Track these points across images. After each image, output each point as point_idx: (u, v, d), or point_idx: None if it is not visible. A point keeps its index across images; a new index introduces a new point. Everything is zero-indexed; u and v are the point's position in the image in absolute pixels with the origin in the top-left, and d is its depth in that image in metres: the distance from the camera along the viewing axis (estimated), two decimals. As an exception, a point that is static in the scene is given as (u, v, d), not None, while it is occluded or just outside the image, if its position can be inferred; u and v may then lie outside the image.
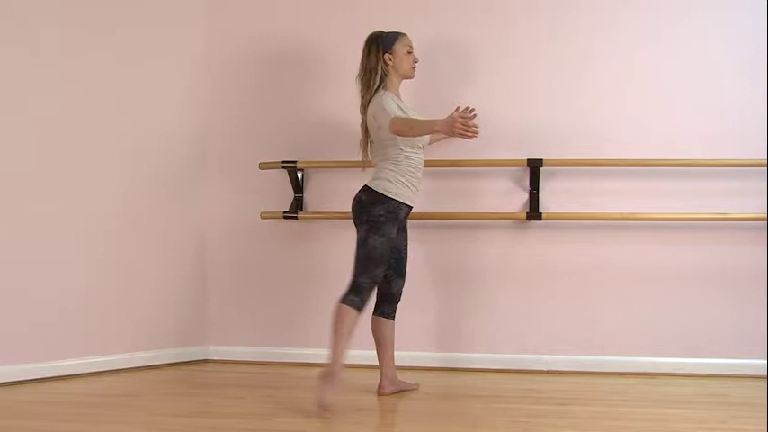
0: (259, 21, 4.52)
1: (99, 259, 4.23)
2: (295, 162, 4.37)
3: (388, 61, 3.72)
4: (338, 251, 4.34)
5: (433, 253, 4.34)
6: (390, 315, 3.81)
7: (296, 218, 4.39)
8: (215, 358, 4.56)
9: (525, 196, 4.27)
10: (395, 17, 4.18)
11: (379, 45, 3.72)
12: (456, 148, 4.25)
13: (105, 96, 4.24)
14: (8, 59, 4.01)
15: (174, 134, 4.47)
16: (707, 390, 3.86)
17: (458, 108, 4.18)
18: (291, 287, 4.48)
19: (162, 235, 4.42)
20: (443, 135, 3.97)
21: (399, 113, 3.58)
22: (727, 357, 4.14)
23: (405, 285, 3.85)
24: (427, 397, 3.77)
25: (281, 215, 4.39)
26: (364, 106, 3.73)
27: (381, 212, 3.62)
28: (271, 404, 3.62)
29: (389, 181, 3.65)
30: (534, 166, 4.19)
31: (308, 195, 4.48)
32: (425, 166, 4.04)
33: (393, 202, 3.64)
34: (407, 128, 3.55)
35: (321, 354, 4.39)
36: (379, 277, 3.66)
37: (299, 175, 4.44)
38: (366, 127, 3.75)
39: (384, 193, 3.63)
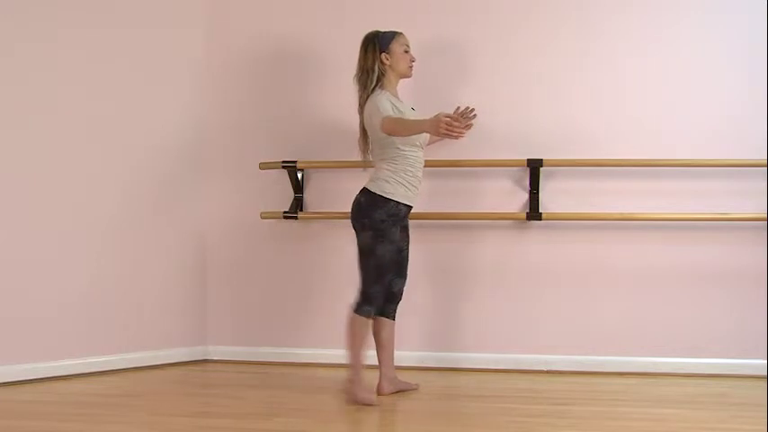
0: (259, 21, 4.52)
1: (99, 259, 4.23)
2: (295, 162, 4.37)
3: (384, 61, 3.72)
4: (338, 251, 4.35)
5: (432, 253, 4.34)
6: (390, 315, 3.81)
7: (296, 218, 4.39)
8: (215, 358, 4.56)
9: (525, 196, 4.27)
10: (395, 17, 4.18)
11: (376, 45, 3.72)
12: (456, 148, 4.25)
13: (105, 96, 4.24)
14: (8, 60, 4.00)
15: (174, 134, 4.47)
16: (707, 390, 3.86)
17: (458, 108, 4.19)
18: (291, 287, 4.48)
19: (162, 235, 4.42)
20: (436, 136, 4.00)
21: (391, 113, 3.59)
22: (727, 357, 4.14)
23: (405, 285, 3.85)
24: (427, 397, 3.77)
25: (281, 215, 4.39)
26: (361, 106, 3.73)
27: (383, 217, 3.62)
28: (271, 404, 3.62)
29: (387, 181, 3.65)
30: (534, 166, 4.19)
31: (307, 195, 4.47)
32: (426, 166, 4.05)
33: (392, 203, 3.64)
34: (398, 128, 3.56)
35: (321, 354, 4.42)
36: (387, 282, 3.67)
37: (299, 175, 4.44)
38: (364, 127, 3.75)
39: (382, 194, 3.63)
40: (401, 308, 3.86)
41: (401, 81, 3.82)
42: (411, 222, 3.94)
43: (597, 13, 4.25)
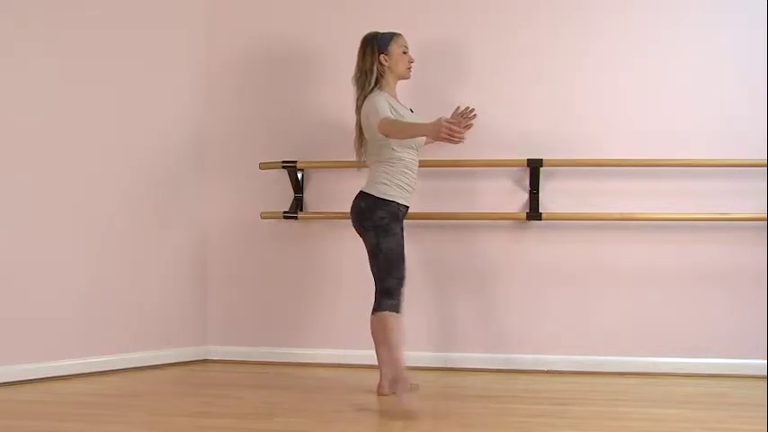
0: (259, 21, 4.52)
1: (99, 259, 4.23)
2: (295, 162, 4.37)
3: (383, 62, 3.72)
4: (338, 251, 4.35)
5: (433, 253, 4.34)
6: (390, 315, 3.80)
7: (296, 218, 4.39)
8: (215, 358, 4.56)
9: (525, 196, 4.28)
10: (395, 17, 4.18)
11: (375, 46, 3.72)
12: (456, 148, 4.20)
13: (105, 96, 4.24)
14: (8, 60, 4.00)
15: (175, 134, 4.47)
16: (707, 390, 3.86)
17: (458, 108, 4.19)
18: (291, 287, 4.48)
19: (162, 235, 4.42)
20: None
21: (389, 114, 3.58)
22: (727, 357, 4.14)
23: (405, 285, 3.84)
24: (427, 397, 3.76)
25: (281, 215, 4.39)
26: (359, 107, 3.73)
27: (384, 215, 3.63)
28: (271, 404, 3.62)
29: (385, 184, 3.66)
30: (534, 166, 4.19)
31: (308, 195, 4.48)
32: (426, 167, 4.06)
33: (392, 204, 3.65)
34: (396, 130, 3.56)
35: (321, 354, 4.42)
36: (404, 275, 3.65)
37: (299, 175, 4.44)
38: (360, 127, 3.75)
39: (382, 196, 3.64)
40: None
41: (401, 81, 3.82)
42: (411, 222, 3.94)
43: (597, 13, 4.26)
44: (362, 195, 3.70)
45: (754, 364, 4.08)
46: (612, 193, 4.20)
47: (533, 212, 4.20)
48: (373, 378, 3.84)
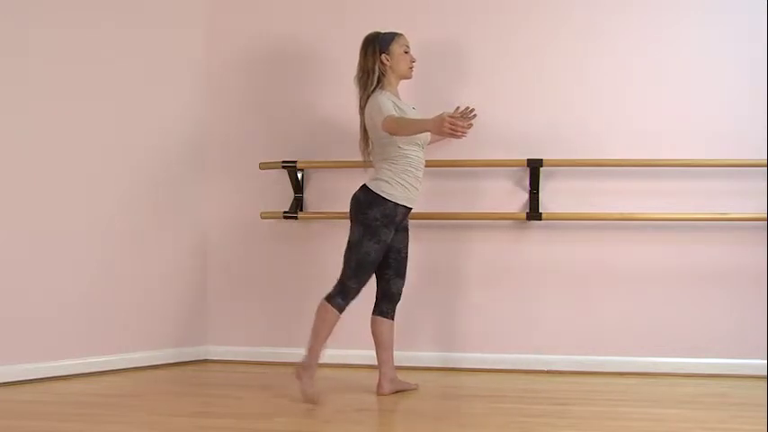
0: (259, 21, 4.52)
1: (99, 259, 4.23)
2: (295, 162, 4.37)
3: (385, 62, 3.72)
4: (338, 251, 4.31)
5: (433, 253, 4.34)
6: (390, 315, 3.81)
7: (296, 218, 4.39)
8: (215, 358, 4.56)
9: (525, 196, 4.27)
10: (395, 17, 4.18)
11: (376, 46, 3.72)
12: (456, 148, 4.25)
13: (105, 96, 4.24)
14: (8, 60, 4.00)
15: (175, 134, 4.47)
16: (707, 390, 3.86)
17: (458, 108, 4.18)
18: (291, 287, 4.48)
19: (162, 235, 4.42)
20: (437, 136, 4.01)
21: (393, 112, 3.59)
22: (727, 357, 4.14)
23: (405, 285, 3.85)
24: (427, 397, 3.77)
25: (281, 215, 4.39)
26: (362, 107, 3.73)
27: (377, 216, 3.62)
28: (271, 404, 3.62)
29: (387, 182, 3.66)
30: (534, 166, 4.19)
31: (308, 195, 4.48)
32: (426, 166, 4.05)
33: (390, 204, 3.64)
34: (399, 127, 3.56)
35: (321, 353, 4.41)
36: (367, 281, 3.69)
37: (299, 175, 4.44)
38: (365, 128, 3.75)
39: (381, 194, 3.64)
40: (401, 308, 3.86)
41: (402, 82, 3.82)
42: (412, 222, 3.94)
43: (597, 13, 4.26)
44: (363, 188, 3.71)
45: (754, 364, 4.08)
46: (612, 193, 4.20)
47: (533, 212, 4.20)
48: (373, 378, 3.84)
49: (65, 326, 4.13)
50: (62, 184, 4.13)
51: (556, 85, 4.27)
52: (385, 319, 3.80)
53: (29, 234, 4.04)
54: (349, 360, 4.36)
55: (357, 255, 3.64)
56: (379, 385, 3.78)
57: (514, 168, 4.28)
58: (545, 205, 4.24)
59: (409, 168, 3.69)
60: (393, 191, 3.65)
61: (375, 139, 3.71)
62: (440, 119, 3.39)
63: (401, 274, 3.82)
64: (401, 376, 3.86)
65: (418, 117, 3.72)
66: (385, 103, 3.62)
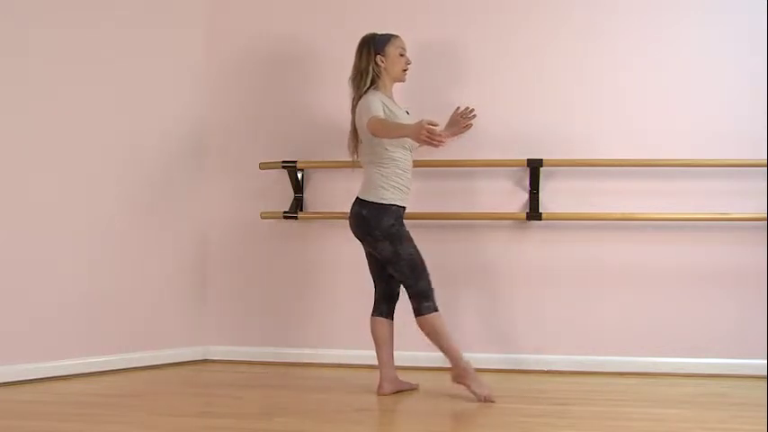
0: (259, 21, 4.52)
1: (99, 259, 4.23)
2: (295, 162, 4.37)
3: (379, 63, 3.72)
4: (338, 251, 4.35)
5: (433, 253, 4.30)
6: (389, 315, 3.81)
7: (296, 218, 4.39)
8: (215, 358, 4.56)
9: (525, 196, 4.27)
10: (395, 17, 4.19)
11: (372, 47, 3.73)
12: (456, 149, 4.25)
13: (105, 96, 4.24)
14: (7, 60, 4.00)
15: (175, 134, 4.47)
16: (707, 390, 3.86)
17: (458, 108, 4.19)
18: (291, 287, 4.48)
19: (162, 235, 4.42)
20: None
21: (380, 114, 3.59)
22: (727, 357, 4.14)
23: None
24: (427, 397, 3.77)
25: (281, 215, 4.39)
26: (354, 107, 3.74)
27: (391, 222, 3.64)
28: (271, 404, 3.62)
29: (382, 188, 3.66)
30: (534, 166, 4.19)
31: (308, 195, 4.48)
32: (426, 167, 4.07)
33: (393, 207, 3.66)
34: (383, 129, 3.57)
35: (321, 354, 4.42)
36: (428, 276, 3.67)
37: (299, 175, 4.44)
38: (355, 127, 3.76)
39: (381, 201, 3.64)
40: (401, 308, 3.86)
41: (399, 84, 3.82)
42: (412, 223, 3.93)
43: (597, 13, 4.26)
44: (362, 203, 3.70)
45: (754, 364, 4.08)
46: (612, 193, 4.20)
47: (533, 212, 4.20)
48: (373, 378, 3.84)
49: (65, 326, 4.13)
50: (62, 184, 4.13)
51: (556, 85, 4.27)
52: (384, 319, 3.80)
53: (29, 234, 4.04)
54: (349, 360, 4.36)
55: (405, 263, 3.65)
56: (379, 385, 3.78)
57: (514, 168, 4.28)
58: (545, 205, 4.24)
59: (398, 170, 3.69)
60: (391, 195, 3.66)
61: (363, 139, 3.72)
62: (418, 126, 3.39)
63: (400, 274, 3.83)
64: (401, 376, 3.86)
65: (409, 121, 3.72)
66: (374, 103, 3.62)
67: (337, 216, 4.19)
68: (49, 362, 4.08)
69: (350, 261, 4.14)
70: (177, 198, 4.49)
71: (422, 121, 3.38)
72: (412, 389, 3.85)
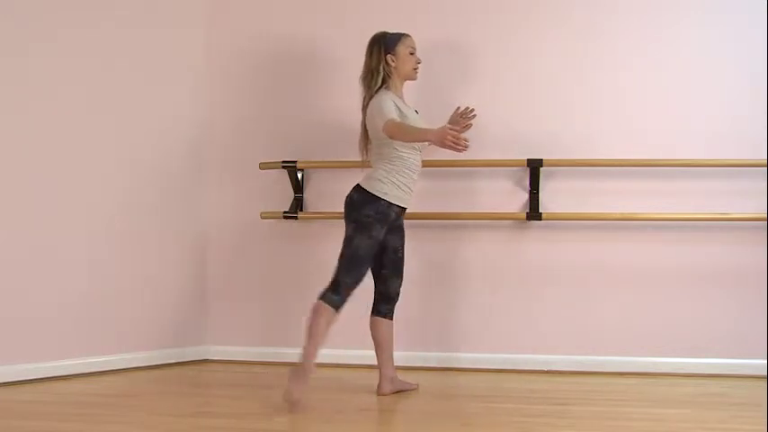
0: (259, 21, 4.52)
1: (99, 259, 4.23)
2: (295, 162, 4.37)
3: (390, 62, 3.72)
4: (338, 251, 4.33)
5: (433, 253, 4.34)
6: (388, 315, 3.81)
7: (296, 218, 4.39)
8: (215, 358, 4.56)
9: (525, 196, 4.27)
10: (395, 17, 4.18)
11: (382, 46, 3.72)
12: (456, 148, 4.25)
13: (105, 96, 4.24)
14: (8, 60, 4.00)
15: (175, 134, 4.47)
16: (707, 390, 3.86)
17: (458, 108, 4.19)
18: (291, 287, 4.48)
19: (162, 235, 4.42)
20: None
21: (395, 115, 3.58)
22: (727, 357, 4.14)
23: (405, 285, 3.85)
24: (427, 397, 3.77)
25: (281, 215, 4.39)
26: (365, 106, 3.73)
27: (370, 213, 3.63)
28: (270, 404, 3.62)
29: (381, 181, 3.66)
30: (534, 166, 4.19)
31: (308, 195, 4.48)
32: (426, 166, 4.05)
33: (383, 202, 3.64)
34: (401, 132, 3.56)
35: (321, 354, 4.39)
36: (362, 278, 3.66)
37: (299, 175, 4.44)
38: (365, 127, 3.75)
39: (375, 192, 3.64)
40: (401, 308, 3.86)
41: (405, 83, 3.83)
42: (412, 223, 3.94)
43: (597, 13, 4.26)
44: (357, 188, 3.71)
45: (754, 364, 4.08)
46: (612, 193, 4.20)
47: (533, 212, 4.20)
48: (373, 378, 3.84)
49: (65, 326, 4.13)
50: (62, 184, 4.13)
51: (556, 85, 4.27)
52: (384, 319, 3.80)
53: (29, 234, 4.04)
54: (349, 360, 4.36)
55: (348, 250, 3.64)
56: (379, 385, 3.78)
57: (514, 168, 4.28)
58: (545, 205, 4.24)
59: (404, 170, 3.69)
60: (386, 189, 3.65)
61: (373, 138, 3.71)
62: (442, 131, 3.39)
63: (398, 273, 3.82)
64: (401, 376, 3.86)
65: (420, 121, 3.72)
66: (387, 104, 3.61)
67: (337, 216, 4.17)
68: (49, 362, 4.08)
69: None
70: (177, 198, 4.49)
71: (445, 126, 3.40)
72: (412, 389, 3.85)
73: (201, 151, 4.56)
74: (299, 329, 4.46)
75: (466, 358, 4.31)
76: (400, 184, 3.68)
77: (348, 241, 3.65)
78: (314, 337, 3.59)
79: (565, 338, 4.25)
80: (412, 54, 3.77)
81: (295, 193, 4.44)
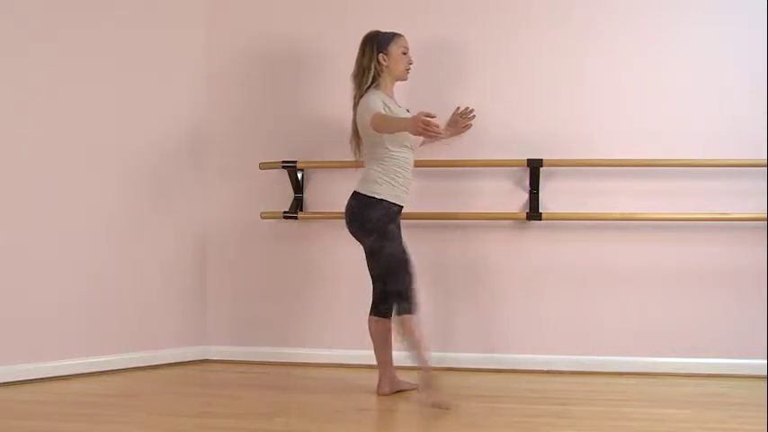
0: (259, 21, 4.52)
1: (99, 259, 4.23)
2: (295, 162, 4.37)
3: (382, 61, 3.73)
4: (338, 251, 4.34)
5: (433, 253, 4.33)
6: (387, 315, 3.80)
7: (296, 218, 4.39)
8: (215, 358, 4.55)
9: (525, 196, 4.27)
10: (395, 17, 4.18)
11: (375, 44, 3.73)
12: (456, 149, 4.25)
13: (105, 96, 4.24)
14: (8, 60, 4.00)
15: (175, 134, 4.47)
16: (707, 390, 3.86)
17: (458, 108, 4.20)
18: (291, 287, 4.48)
19: (162, 235, 4.42)
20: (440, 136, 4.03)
21: (382, 110, 3.60)
22: (727, 357, 4.13)
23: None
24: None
25: (281, 215, 4.39)
26: (356, 105, 3.74)
27: (379, 216, 3.63)
28: (271, 404, 3.62)
29: (377, 182, 3.67)
30: (534, 166, 4.19)
31: (308, 195, 4.48)
32: (426, 167, 4.06)
33: (384, 202, 3.65)
34: (384, 124, 3.58)
35: (321, 354, 4.42)
36: (413, 273, 3.65)
37: (299, 175, 4.44)
38: (356, 126, 3.76)
39: (374, 195, 3.64)
40: (401, 308, 3.86)
41: (402, 82, 3.82)
42: (412, 223, 3.94)
43: (597, 13, 4.25)
44: (355, 195, 3.71)
45: (754, 364, 4.08)
46: (612, 193, 4.20)
47: (533, 212, 4.20)
48: (373, 378, 3.84)
49: (65, 326, 4.13)
50: (62, 184, 4.13)
51: (556, 85, 4.27)
52: (383, 319, 3.79)
53: (29, 234, 4.04)
54: (349, 360, 4.36)
55: (385, 261, 3.64)
56: (378, 385, 3.78)
57: (514, 168, 4.28)
58: (545, 205, 4.24)
59: (397, 169, 3.69)
60: (383, 189, 3.66)
61: (365, 137, 3.72)
62: (415, 118, 3.40)
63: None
64: (401, 376, 3.86)
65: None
66: (375, 101, 3.63)
67: (337, 216, 4.18)
68: (49, 362, 4.08)
69: (350, 261, 4.13)
70: (177, 198, 4.49)
71: (419, 113, 3.39)
72: (412, 389, 3.85)
73: (201, 151, 4.55)
74: (299, 329, 4.48)
75: (466, 358, 4.31)
76: (396, 183, 3.69)
77: (379, 253, 3.64)
78: (417, 345, 3.58)
79: (565, 338, 4.25)
80: (404, 54, 3.77)
81: (295, 193, 4.44)
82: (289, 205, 4.42)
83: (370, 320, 3.80)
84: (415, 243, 3.99)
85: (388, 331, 3.80)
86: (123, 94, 4.29)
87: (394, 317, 3.64)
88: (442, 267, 4.36)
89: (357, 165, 3.89)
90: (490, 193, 4.30)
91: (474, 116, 4.21)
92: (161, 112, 4.42)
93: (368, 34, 3.78)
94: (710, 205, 4.10)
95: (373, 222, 3.63)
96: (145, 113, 4.36)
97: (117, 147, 4.28)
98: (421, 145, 3.88)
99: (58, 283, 4.11)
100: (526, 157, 4.20)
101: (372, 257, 3.68)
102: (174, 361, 4.44)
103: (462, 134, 4.25)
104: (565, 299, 4.25)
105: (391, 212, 3.68)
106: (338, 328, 4.41)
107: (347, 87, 3.82)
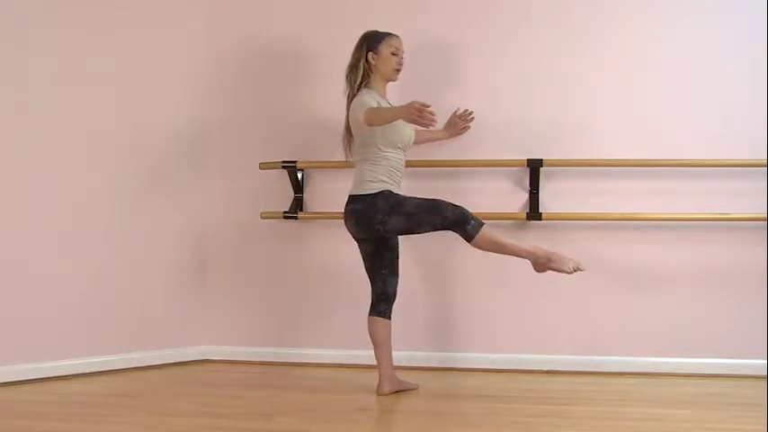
0: (259, 20, 4.53)
1: (98, 259, 4.23)
2: (295, 162, 4.37)
3: (370, 60, 3.73)
4: (338, 251, 4.34)
5: (432, 252, 4.33)
6: (387, 314, 3.80)
7: (296, 218, 4.39)
8: (215, 358, 4.56)
9: (525, 196, 4.28)
10: (395, 17, 4.19)
11: (366, 43, 3.75)
12: (456, 148, 4.25)
13: (105, 96, 4.24)
14: (8, 60, 4.00)
15: (174, 134, 4.47)
16: (707, 390, 3.86)
17: (457, 109, 4.20)
18: (291, 287, 4.48)
19: (162, 235, 4.42)
20: (432, 137, 4.13)
21: (374, 106, 3.60)
22: (727, 357, 4.13)
23: (405, 285, 3.85)
24: (427, 397, 3.76)
25: (281, 215, 4.39)
26: (348, 103, 3.75)
27: (385, 201, 3.63)
28: (271, 404, 3.62)
29: (371, 181, 3.68)
30: (534, 166, 4.19)
31: (308, 195, 4.48)
32: (426, 167, 4.07)
33: (385, 191, 3.66)
34: (377, 117, 3.57)
35: (321, 354, 4.43)
36: (450, 203, 3.63)
37: (299, 175, 4.44)
38: (349, 125, 3.77)
39: (374, 191, 3.65)
40: (401, 307, 3.86)
41: (398, 82, 3.82)
42: (411, 222, 3.93)
43: (597, 13, 4.26)
44: (354, 199, 3.71)
45: (754, 364, 4.08)
46: (612, 193, 4.20)
47: (533, 212, 4.20)
48: (372, 378, 3.84)
49: (65, 326, 4.13)
50: (62, 184, 4.13)
51: (556, 85, 4.27)
52: (382, 318, 3.79)
53: (29, 234, 4.04)
54: (349, 360, 4.36)
55: (422, 211, 3.60)
56: (379, 385, 3.78)
57: (514, 168, 4.28)
58: (545, 205, 4.24)
59: (390, 168, 3.70)
60: (381, 185, 3.66)
61: (358, 137, 3.73)
62: (409, 105, 3.39)
63: (396, 273, 3.83)
64: (401, 376, 3.86)
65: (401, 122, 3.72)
66: (368, 99, 3.64)
67: (337, 216, 4.17)
68: (49, 362, 4.07)
69: (350, 261, 4.13)
70: (177, 198, 4.49)
71: (413, 101, 3.38)
72: (412, 389, 3.85)
73: (201, 151, 4.55)
74: (299, 329, 4.48)
75: (466, 358, 4.31)
76: (390, 180, 3.69)
77: (412, 217, 3.61)
78: (503, 243, 3.58)
79: (565, 338, 4.25)
80: (394, 55, 3.77)
81: (295, 193, 4.44)
82: (289, 205, 4.42)
83: (370, 320, 3.80)
84: (415, 242, 4.00)
85: (388, 331, 3.80)
86: (123, 93, 4.29)
87: (472, 241, 3.58)
88: (442, 267, 4.36)
89: (351, 165, 3.89)
90: (490, 192, 4.30)
91: (473, 118, 4.21)
92: (161, 111, 4.42)
93: (364, 33, 3.80)
94: (710, 205, 4.10)
95: (383, 209, 3.63)
96: (145, 113, 4.36)
97: (117, 147, 4.28)
98: (417, 142, 3.87)
99: (58, 283, 4.11)
100: (526, 157, 4.20)
101: (414, 225, 3.64)
102: (173, 361, 4.44)
103: (461, 135, 4.25)
104: (565, 299, 4.25)
105: (392, 193, 3.68)
106: (338, 328, 4.41)
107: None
